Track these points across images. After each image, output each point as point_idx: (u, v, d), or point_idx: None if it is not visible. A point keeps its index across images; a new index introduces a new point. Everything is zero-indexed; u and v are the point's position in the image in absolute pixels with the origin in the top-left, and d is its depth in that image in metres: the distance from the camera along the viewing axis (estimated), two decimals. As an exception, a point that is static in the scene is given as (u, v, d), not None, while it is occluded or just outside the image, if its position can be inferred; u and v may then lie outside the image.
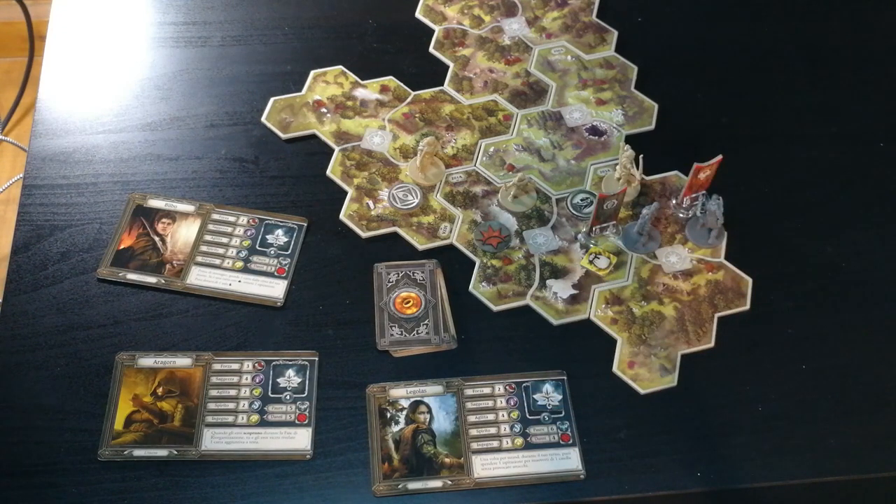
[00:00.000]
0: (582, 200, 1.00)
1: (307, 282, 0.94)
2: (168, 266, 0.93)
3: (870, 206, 1.03)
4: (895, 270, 0.98)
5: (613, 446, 0.84)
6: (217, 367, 0.87)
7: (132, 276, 0.93)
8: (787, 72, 1.15)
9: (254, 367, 0.87)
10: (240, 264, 0.94)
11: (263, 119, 1.06)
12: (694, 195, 0.99)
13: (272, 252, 0.95)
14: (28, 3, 1.76)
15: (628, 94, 1.10)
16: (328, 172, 1.02)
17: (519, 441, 0.84)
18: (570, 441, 0.84)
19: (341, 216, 0.98)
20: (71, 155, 1.02)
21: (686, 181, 0.99)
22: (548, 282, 0.94)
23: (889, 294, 0.96)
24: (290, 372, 0.87)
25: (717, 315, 0.93)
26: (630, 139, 1.06)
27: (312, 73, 1.10)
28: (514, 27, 1.16)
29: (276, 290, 0.93)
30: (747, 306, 0.94)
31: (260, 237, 0.96)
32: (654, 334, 0.91)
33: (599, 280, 0.95)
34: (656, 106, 1.09)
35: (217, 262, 0.94)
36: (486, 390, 0.87)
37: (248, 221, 0.97)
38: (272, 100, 1.07)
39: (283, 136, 1.05)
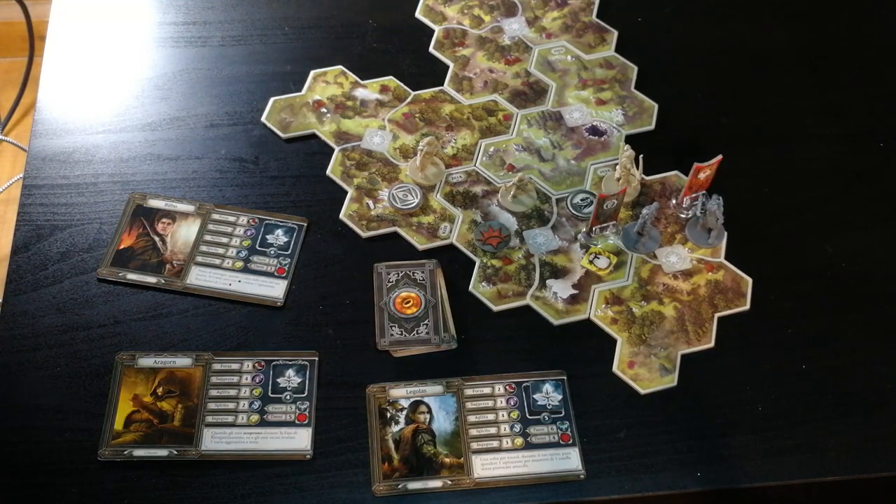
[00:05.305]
0: (582, 200, 1.00)
1: (307, 282, 0.94)
2: (168, 266, 0.93)
3: (870, 206, 1.03)
4: (895, 270, 0.98)
5: (613, 446, 0.84)
6: (217, 367, 0.87)
7: (132, 276, 0.93)
8: (787, 72, 1.15)
9: (254, 367, 0.87)
10: (240, 264, 0.94)
11: (263, 119, 1.06)
12: (694, 195, 0.99)
13: (272, 252, 0.95)
14: (28, 3, 1.76)
15: (628, 94, 1.10)
16: (328, 172, 1.02)
17: (519, 441, 0.84)
18: (570, 441, 0.84)
19: (341, 216, 0.98)
20: (71, 155, 1.02)
21: (686, 181, 0.99)
22: (548, 282, 0.94)
23: (889, 294, 0.96)
24: (290, 372, 0.87)
25: (717, 315, 0.93)
26: (630, 139, 1.06)
27: (312, 73, 1.10)
28: (514, 27, 1.16)
29: (276, 290, 0.93)
30: (747, 306, 0.94)
31: (260, 237, 0.96)
32: (654, 334, 0.91)
33: (599, 280, 0.95)
34: (656, 106, 1.09)
35: (217, 262, 0.94)
36: (486, 390, 0.87)
37: (248, 221, 0.97)
38: (272, 100, 1.08)
39: (283, 135, 1.05)
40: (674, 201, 1.01)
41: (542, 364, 0.89)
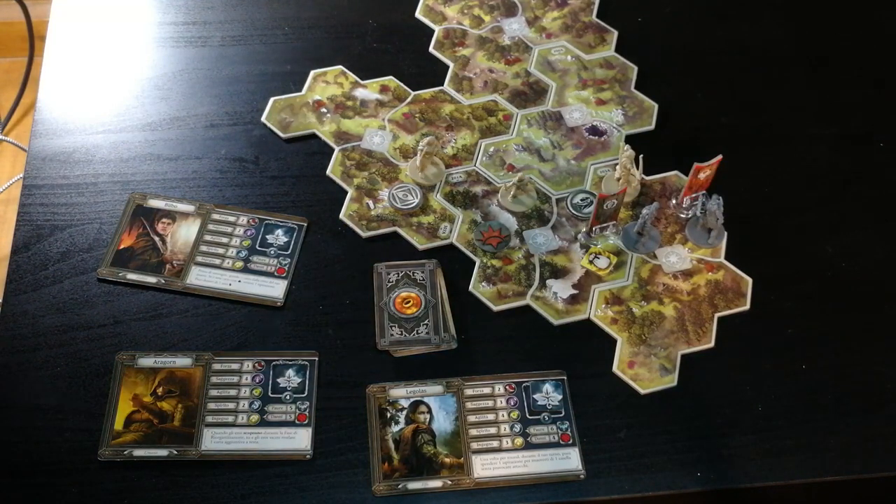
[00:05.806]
0: (582, 200, 1.00)
1: (307, 282, 0.94)
2: (168, 266, 0.93)
3: (870, 206, 1.03)
4: (895, 270, 0.98)
5: (613, 446, 0.84)
6: (217, 367, 0.87)
7: (132, 276, 0.93)
8: (788, 72, 1.15)
9: (254, 367, 0.87)
10: (240, 264, 0.94)
11: (263, 119, 1.06)
12: (694, 195, 0.99)
13: (272, 252, 0.95)
14: (28, 3, 1.76)
15: (628, 94, 1.10)
16: (328, 172, 1.02)
17: (519, 441, 0.84)
18: (570, 441, 0.84)
19: (341, 216, 0.98)
20: (71, 155, 1.02)
21: (686, 181, 0.99)
22: (548, 282, 0.94)
23: (889, 294, 0.96)
24: (290, 372, 0.87)
25: (717, 315, 0.93)
26: (630, 139, 1.06)
27: (312, 73, 1.10)
28: (514, 27, 1.16)
29: (276, 290, 0.93)
30: (747, 306, 0.94)
31: (260, 237, 0.96)
32: (654, 334, 0.91)
33: (599, 280, 0.95)
34: (656, 106, 1.09)
35: (217, 262, 0.94)
36: (486, 390, 0.87)
37: (248, 221, 0.97)
38: (272, 100, 1.08)
39: (283, 135, 1.05)
40: (674, 201, 1.01)
41: (542, 364, 0.89)
